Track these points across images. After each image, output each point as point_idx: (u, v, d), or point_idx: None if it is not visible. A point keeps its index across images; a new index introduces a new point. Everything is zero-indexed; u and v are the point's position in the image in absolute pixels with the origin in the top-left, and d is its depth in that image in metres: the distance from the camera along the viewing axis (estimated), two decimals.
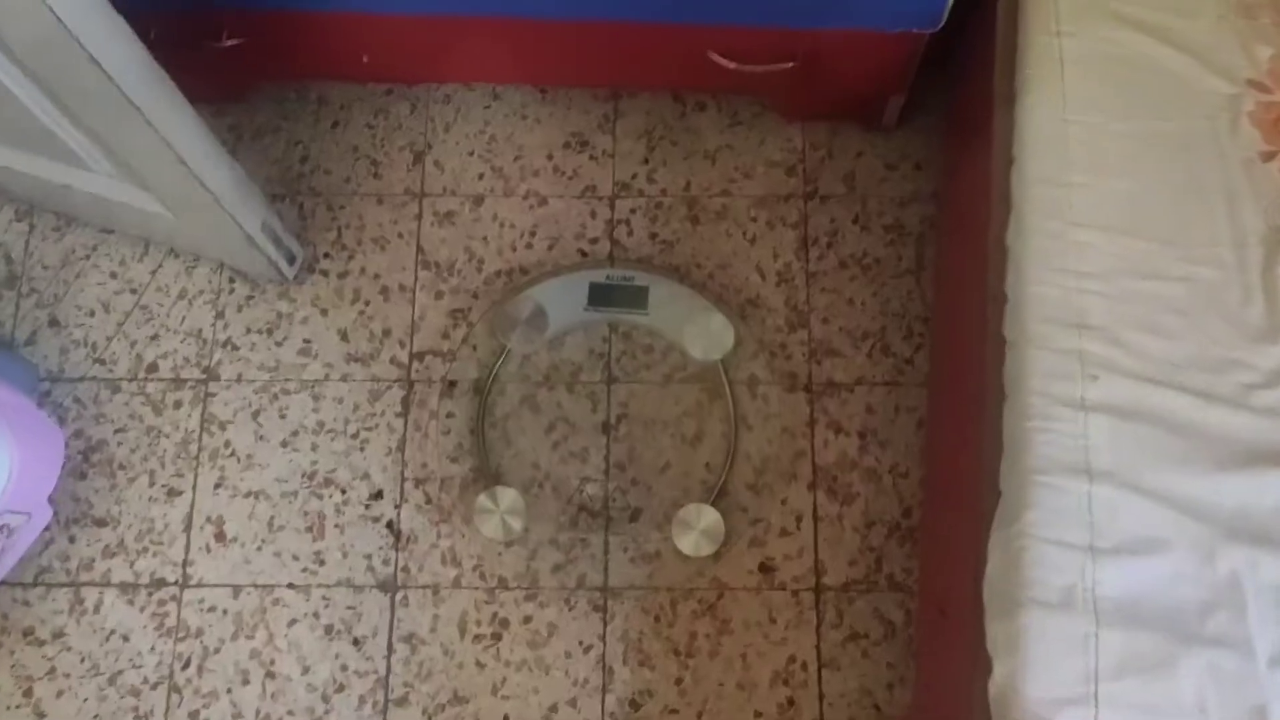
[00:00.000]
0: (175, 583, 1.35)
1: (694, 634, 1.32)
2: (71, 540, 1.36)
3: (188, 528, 1.37)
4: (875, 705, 1.28)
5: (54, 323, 1.46)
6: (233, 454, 1.40)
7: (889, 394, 1.41)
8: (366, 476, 1.38)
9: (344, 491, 1.38)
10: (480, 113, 1.56)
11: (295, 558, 1.35)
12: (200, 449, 1.40)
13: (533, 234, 1.50)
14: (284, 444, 1.40)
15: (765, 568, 1.34)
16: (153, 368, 1.43)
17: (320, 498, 1.38)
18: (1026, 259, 0.98)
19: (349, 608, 1.33)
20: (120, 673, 1.32)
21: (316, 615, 1.33)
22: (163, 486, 1.38)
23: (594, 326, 1.44)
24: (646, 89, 1.54)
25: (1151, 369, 0.91)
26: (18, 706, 1.30)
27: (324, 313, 1.46)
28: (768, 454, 1.39)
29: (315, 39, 1.35)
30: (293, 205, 1.51)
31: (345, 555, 1.35)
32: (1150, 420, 0.90)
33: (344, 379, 1.43)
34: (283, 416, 1.41)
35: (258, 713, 1.30)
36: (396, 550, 1.35)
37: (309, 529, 1.36)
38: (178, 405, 1.42)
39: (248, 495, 1.38)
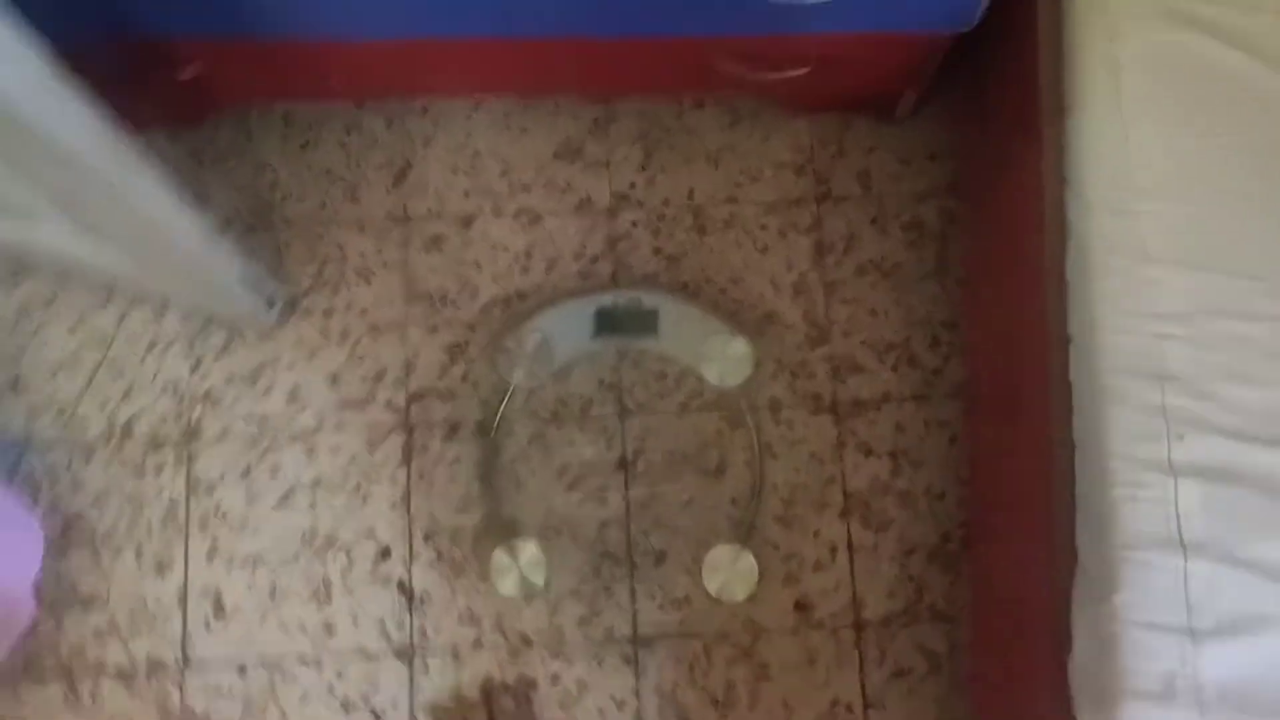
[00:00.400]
0: (175, 664, 1.25)
1: (731, 682, 1.25)
2: (59, 625, 1.26)
3: (183, 603, 1.27)
4: None
5: (15, 385, 1.34)
6: (224, 519, 1.29)
7: (918, 409, 1.33)
8: (372, 534, 1.29)
9: (349, 552, 1.29)
10: (462, 124, 1.43)
11: (302, 628, 1.26)
12: (188, 516, 1.30)
13: (528, 255, 1.39)
14: (279, 504, 1.30)
15: (801, 606, 1.27)
16: (128, 428, 1.32)
17: (324, 560, 1.28)
18: (1094, 300, 0.89)
19: (365, 678, 1.25)
20: None
21: (331, 689, 1.25)
22: (151, 559, 1.28)
23: (602, 355, 1.35)
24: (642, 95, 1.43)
25: (1243, 423, 0.84)
26: None
27: (310, 356, 1.35)
28: (796, 483, 1.31)
29: (281, 65, 1.23)
30: (266, 237, 1.39)
31: (356, 621, 1.27)
32: (1245, 482, 0.82)
33: (338, 428, 1.33)
34: (274, 474, 1.31)
35: None
36: (410, 612, 1.27)
37: (314, 595, 1.27)
38: (159, 469, 1.31)
39: (244, 563, 1.28)
